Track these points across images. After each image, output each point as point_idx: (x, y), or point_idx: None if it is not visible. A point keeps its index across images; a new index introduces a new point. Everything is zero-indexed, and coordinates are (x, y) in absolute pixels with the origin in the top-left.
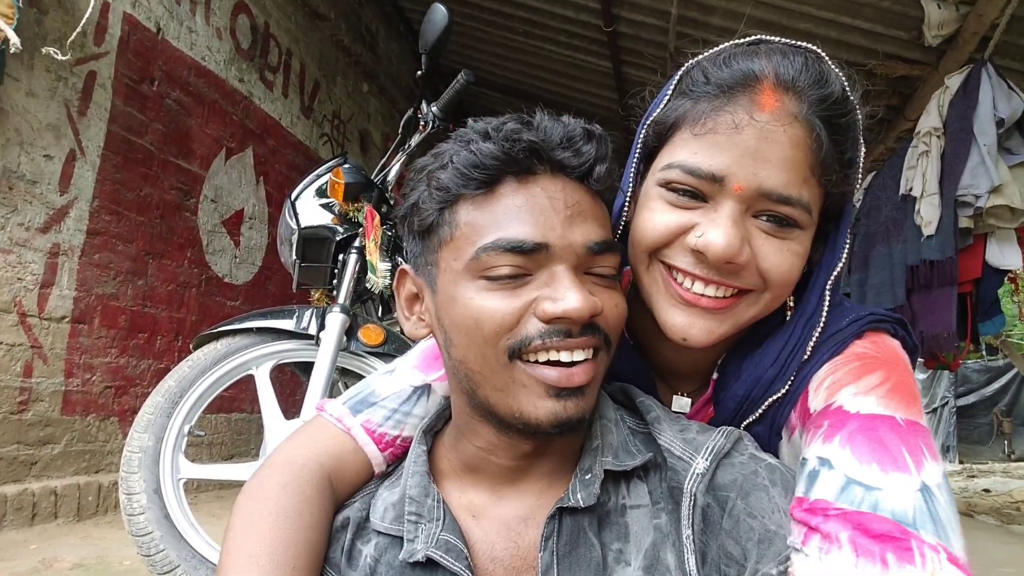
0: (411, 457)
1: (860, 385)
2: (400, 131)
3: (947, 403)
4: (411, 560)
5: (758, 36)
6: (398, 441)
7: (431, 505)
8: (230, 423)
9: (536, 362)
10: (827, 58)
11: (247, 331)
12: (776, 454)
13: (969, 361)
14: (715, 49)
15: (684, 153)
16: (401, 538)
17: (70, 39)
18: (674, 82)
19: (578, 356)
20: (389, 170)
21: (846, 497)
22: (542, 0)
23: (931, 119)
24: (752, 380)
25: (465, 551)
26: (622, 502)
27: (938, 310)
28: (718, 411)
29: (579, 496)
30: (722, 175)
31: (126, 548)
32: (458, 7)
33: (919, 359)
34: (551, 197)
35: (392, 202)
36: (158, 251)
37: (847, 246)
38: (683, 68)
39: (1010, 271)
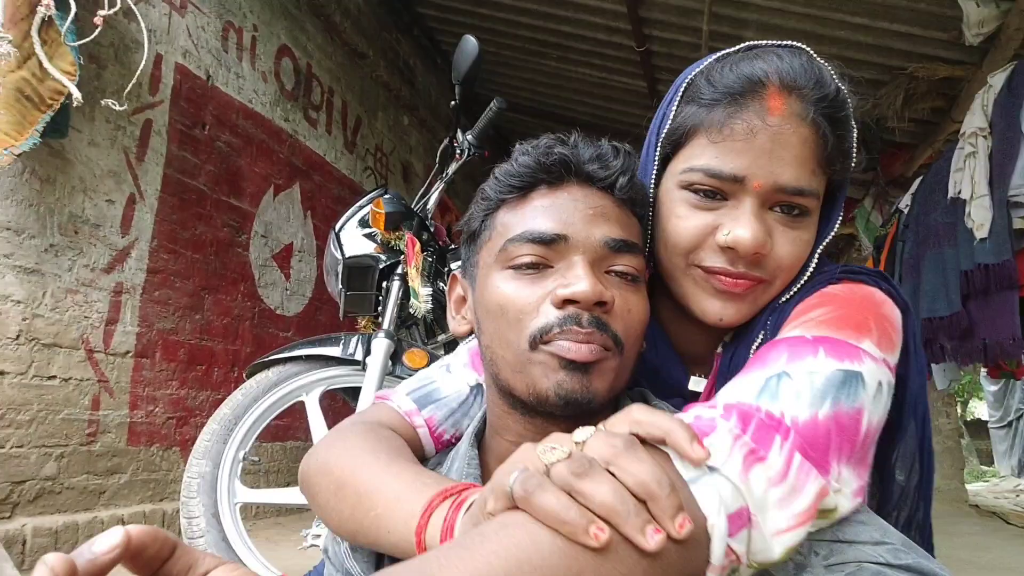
0: (463, 460)
1: (798, 321)
2: (438, 161)
3: (1021, 415)
4: None
5: (748, 43)
6: (452, 440)
7: None
8: (286, 451)
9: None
10: (814, 54)
11: (296, 359)
12: None
13: None
14: (713, 57)
15: (705, 158)
16: None
17: (127, 90)
18: (680, 92)
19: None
20: (428, 198)
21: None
22: (574, 25)
23: (976, 119)
24: (741, 339)
25: None
26: None
27: (999, 316)
28: (718, 382)
29: None
30: (742, 175)
31: None
32: (490, 36)
33: (983, 368)
34: (575, 199)
35: (432, 229)
36: (213, 286)
37: (840, 216)
38: (685, 79)
39: None
